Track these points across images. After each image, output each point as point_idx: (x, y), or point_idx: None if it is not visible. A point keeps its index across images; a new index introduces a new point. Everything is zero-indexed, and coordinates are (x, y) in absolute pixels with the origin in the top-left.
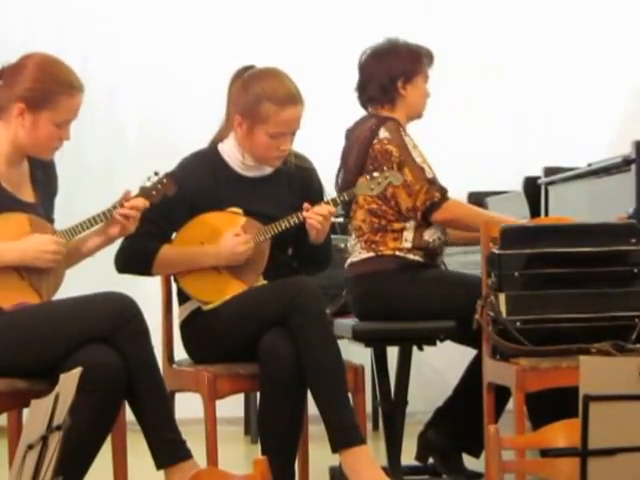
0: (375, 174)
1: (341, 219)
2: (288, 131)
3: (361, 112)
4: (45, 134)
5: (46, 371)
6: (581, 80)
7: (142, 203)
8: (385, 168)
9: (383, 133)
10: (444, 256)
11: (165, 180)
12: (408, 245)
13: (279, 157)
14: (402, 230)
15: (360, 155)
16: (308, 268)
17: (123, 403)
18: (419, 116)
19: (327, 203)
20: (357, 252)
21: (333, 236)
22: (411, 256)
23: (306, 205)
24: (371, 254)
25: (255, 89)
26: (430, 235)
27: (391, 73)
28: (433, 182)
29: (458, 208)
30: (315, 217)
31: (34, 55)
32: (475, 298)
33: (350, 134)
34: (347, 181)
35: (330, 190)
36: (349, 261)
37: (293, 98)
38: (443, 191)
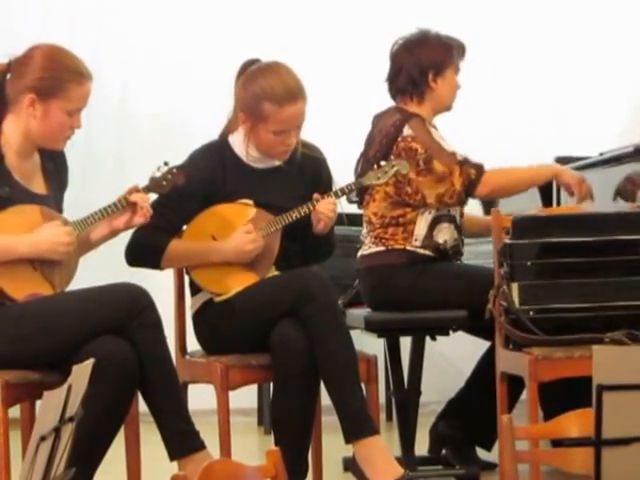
0: (382, 163)
1: (352, 208)
2: (291, 127)
3: (373, 101)
4: (57, 123)
5: (59, 362)
6: (592, 69)
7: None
8: (392, 157)
9: (407, 130)
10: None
11: (175, 170)
12: (418, 244)
13: (285, 151)
14: (413, 225)
15: (381, 149)
16: (312, 258)
17: (136, 394)
18: (448, 109)
19: (335, 193)
20: (367, 245)
21: (342, 227)
22: (421, 251)
23: (316, 195)
24: (381, 248)
25: (254, 88)
26: (441, 236)
27: (421, 65)
28: (465, 162)
29: (498, 177)
30: (324, 209)
31: (41, 45)
32: (485, 289)
33: (375, 122)
34: (365, 170)
35: (339, 180)
36: (360, 253)
37: (292, 95)
38: (478, 166)
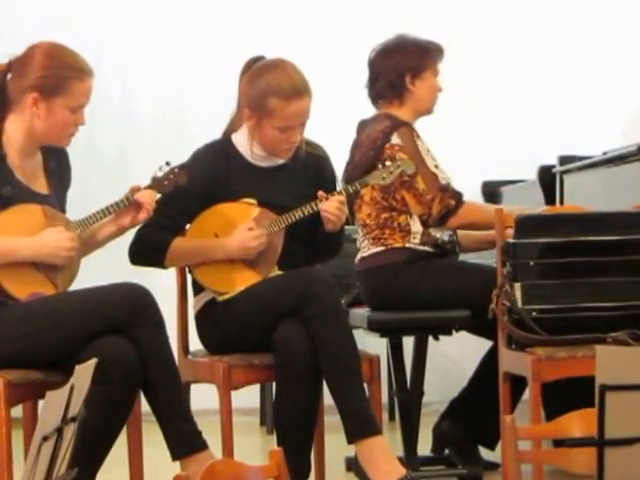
0: (387, 163)
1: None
2: (296, 124)
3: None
4: (61, 121)
5: (61, 362)
6: (596, 68)
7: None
8: (397, 157)
9: (395, 139)
10: (457, 254)
11: (177, 170)
12: (416, 241)
13: (289, 149)
14: (407, 225)
15: (368, 154)
16: (320, 256)
17: (138, 394)
18: (429, 112)
19: (339, 193)
20: (366, 248)
21: (346, 227)
22: (421, 247)
23: (321, 194)
24: (380, 248)
25: (260, 84)
26: (437, 232)
27: (399, 69)
28: (446, 189)
29: (473, 212)
30: (331, 209)
31: (41, 44)
32: (488, 289)
33: (361, 129)
34: (352, 175)
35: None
36: (359, 256)
37: (298, 91)
38: (457, 197)
